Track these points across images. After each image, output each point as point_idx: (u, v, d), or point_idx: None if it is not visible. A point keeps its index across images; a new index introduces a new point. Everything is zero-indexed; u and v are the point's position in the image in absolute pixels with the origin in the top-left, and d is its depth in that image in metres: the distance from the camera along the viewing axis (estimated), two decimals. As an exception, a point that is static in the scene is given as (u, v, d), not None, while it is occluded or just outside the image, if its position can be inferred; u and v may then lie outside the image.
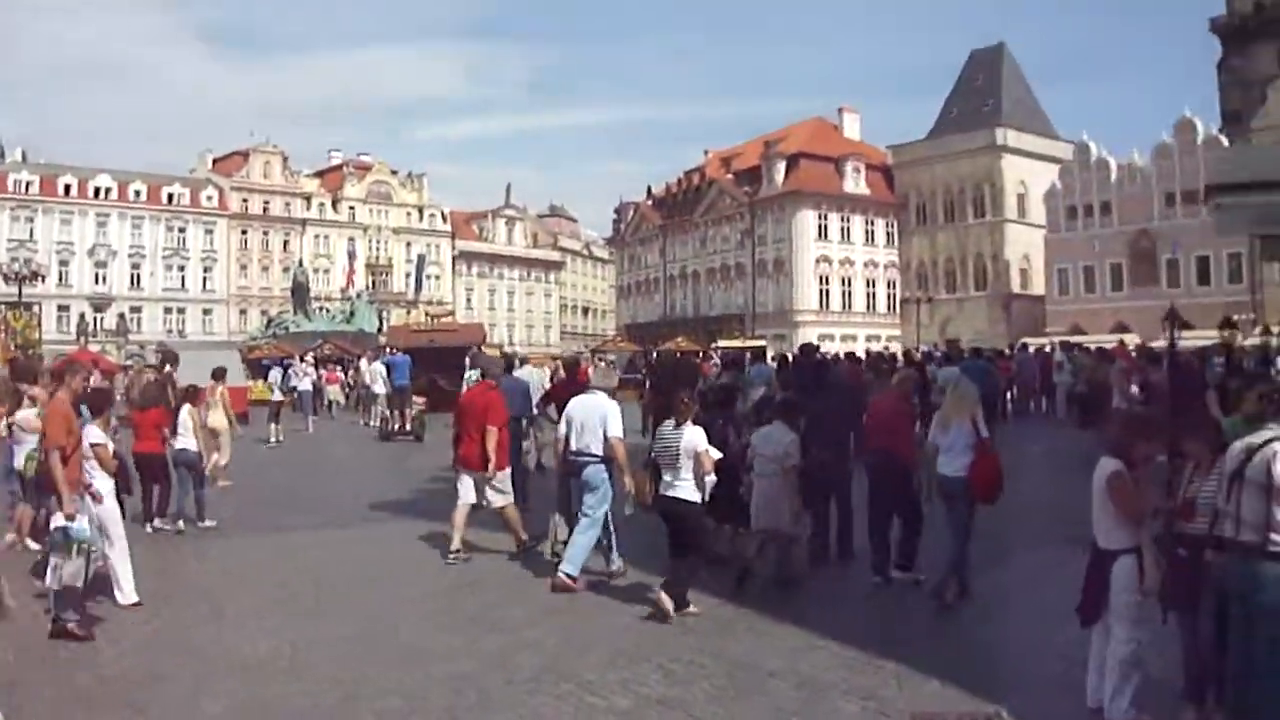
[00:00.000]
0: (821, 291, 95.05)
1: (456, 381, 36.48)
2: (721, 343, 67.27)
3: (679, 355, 46.09)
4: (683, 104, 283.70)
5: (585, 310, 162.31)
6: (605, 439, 12.80)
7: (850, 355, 34.24)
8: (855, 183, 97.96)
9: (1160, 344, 44.56)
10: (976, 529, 11.95)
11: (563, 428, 13.32)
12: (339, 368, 51.44)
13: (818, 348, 32.60)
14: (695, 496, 11.36)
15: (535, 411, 20.63)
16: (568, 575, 12.54)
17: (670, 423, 11.58)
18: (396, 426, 33.55)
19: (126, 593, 11.51)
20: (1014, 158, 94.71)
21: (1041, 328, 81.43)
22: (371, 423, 38.12)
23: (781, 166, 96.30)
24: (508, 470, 15.10)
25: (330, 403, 46.34)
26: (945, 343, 73.52)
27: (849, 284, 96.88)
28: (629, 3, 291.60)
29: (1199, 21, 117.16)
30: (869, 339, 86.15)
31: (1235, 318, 70.93)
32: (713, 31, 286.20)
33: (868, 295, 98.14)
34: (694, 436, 11.33)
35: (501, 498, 14.83)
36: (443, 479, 22.14)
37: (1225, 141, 79.76)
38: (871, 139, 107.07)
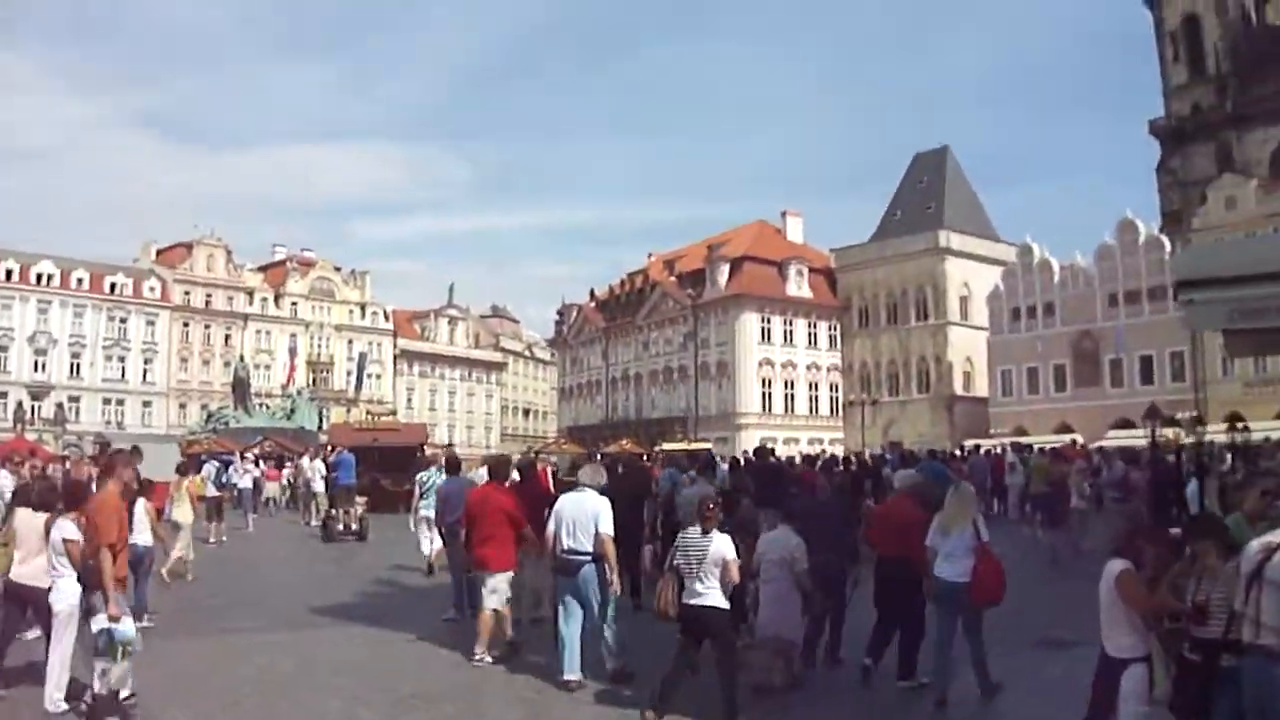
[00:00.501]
0: (764, 394, 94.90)
1: (400, 481, 35.89)
2: (666, 445, 66.94)
3: (625, 460, 45.65)
4: (626, 206, 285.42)
5: (526, 412, 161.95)
6: (597, 536, 12.66)
7: (807, 458, 33.77)
8: (798, 286, 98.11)
9: (1111, 441, 44.94)
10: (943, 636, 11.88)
11: (552, 525, 13.09)
12: (279, 465, 50.59)
13: (772, 450, 32.48)
14: (725, 604, 11.06)
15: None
16: (617, 669, 12.73)
17: (695, 529, 11.27)
18: (341, 526, 32.82)
19: (56, 700, 10.66)
20: (957, 260, 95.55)
21: (985, 429, 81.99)
22: (313, 522, 37.17)
23: (725, 269, 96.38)
24: (510, 573, 14.62)
25: (269, 500, 45.29)
26: (889, 445, 74.01)
27: (792, 386, 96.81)
28: (571, 105, 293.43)
29: (1139, 124, 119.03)
30: (811, 441, 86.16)
31: (1178, 416, 71.82)
32: (656, 134, 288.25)
33: (810, 398, 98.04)
34: (722, 544, 11.03)
35: (500, 600, 14.28)
36: (388, 580, 22.19)
37: (1166, 242, 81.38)
38: (814, 242, 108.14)
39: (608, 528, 12.73)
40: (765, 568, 12.28)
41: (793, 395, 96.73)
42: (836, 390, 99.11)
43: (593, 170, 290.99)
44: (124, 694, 10.08)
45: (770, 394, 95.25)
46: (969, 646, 11.89)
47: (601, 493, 13.25)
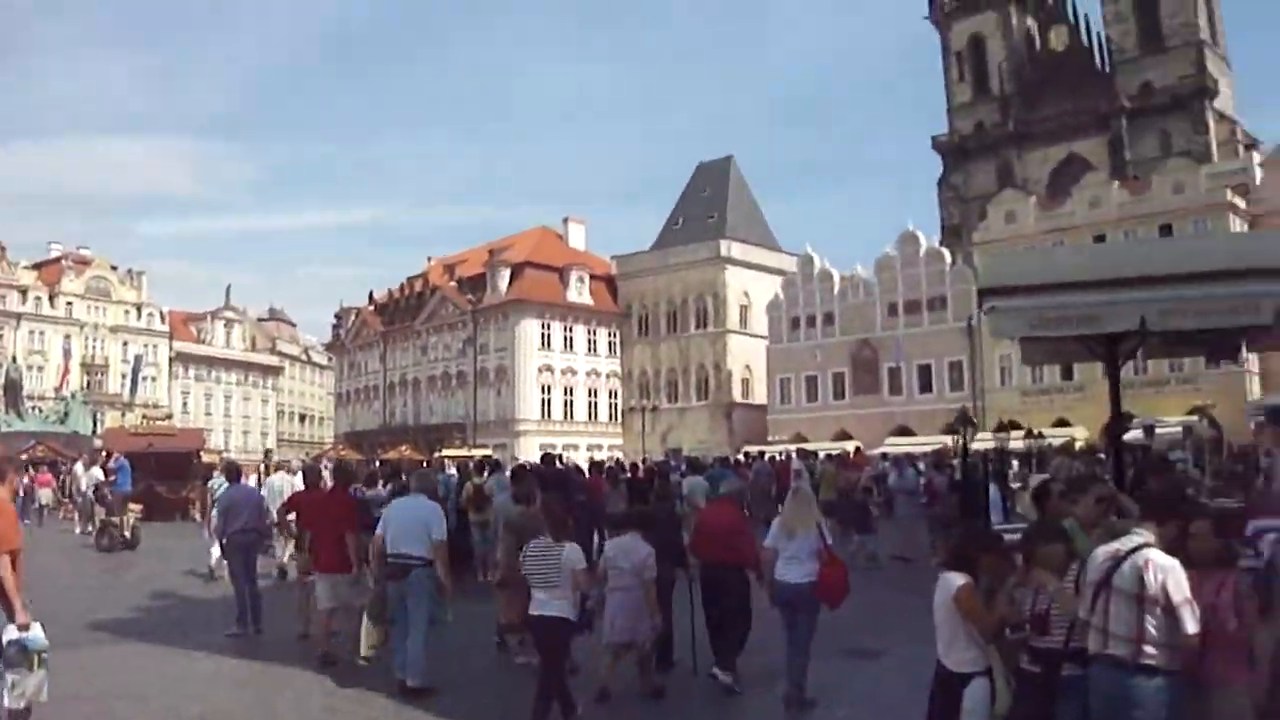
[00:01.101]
0: (544, 400, 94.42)
1: (177, 488, 34.83)
2: (447, 452, 66.61)
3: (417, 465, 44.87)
4: (407, 210, 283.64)
5: (303, 417, 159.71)
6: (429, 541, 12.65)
7: (593, 464, 33.82)
8: (579, 292, 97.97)
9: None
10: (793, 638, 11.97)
11: (381, 529, 12.99)
12: (52, 471, 48.79)
13: (560, 456, 32.38)
14: (574, 615, 10.95)
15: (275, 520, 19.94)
16: (417, 684, 12.40)
17: (544, 539, 11.08)
18: (116, 535, 31.57)
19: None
20: (738, 269, 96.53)
21: (764, 436, 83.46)
22: (88, 529, 35.60)
23: (506, 275, 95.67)
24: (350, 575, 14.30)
25: (42, 508, 43.51)
26: (670, 452, 74.67)
27: (571, 393, 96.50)
28: (359, 107, 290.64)
29: (924, 140, 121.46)
30: (591, 448, 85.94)
31: (972, 415, 73.59)
32: (438, 139, 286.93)
33: (589, 404, 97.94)
34: (574, 553, 10.92)
35: (360, 595, 14.07)
36: (169, 592, 21.53)
37: (946, 255, 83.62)
38: (597, 249, 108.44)
39: (440, 533, 12.71)
40: (615, 575, 12.13)
41: (572, 402, 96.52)
42: (616, 397, 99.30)
43: (376, 173, 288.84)
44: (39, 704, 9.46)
45: (550, 400, 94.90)
46: (795, 650, 11.93)
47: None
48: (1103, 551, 7.07)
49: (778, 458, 45.02)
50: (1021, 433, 63.18)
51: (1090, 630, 7.01)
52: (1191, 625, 6.61)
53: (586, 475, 28.86)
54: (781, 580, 11.86)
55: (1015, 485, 26.41)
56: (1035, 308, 10.34)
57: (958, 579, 7.72)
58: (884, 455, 44.72)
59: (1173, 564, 6.76)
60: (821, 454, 43.43)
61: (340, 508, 14.29)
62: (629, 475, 29.60)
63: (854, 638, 12.93)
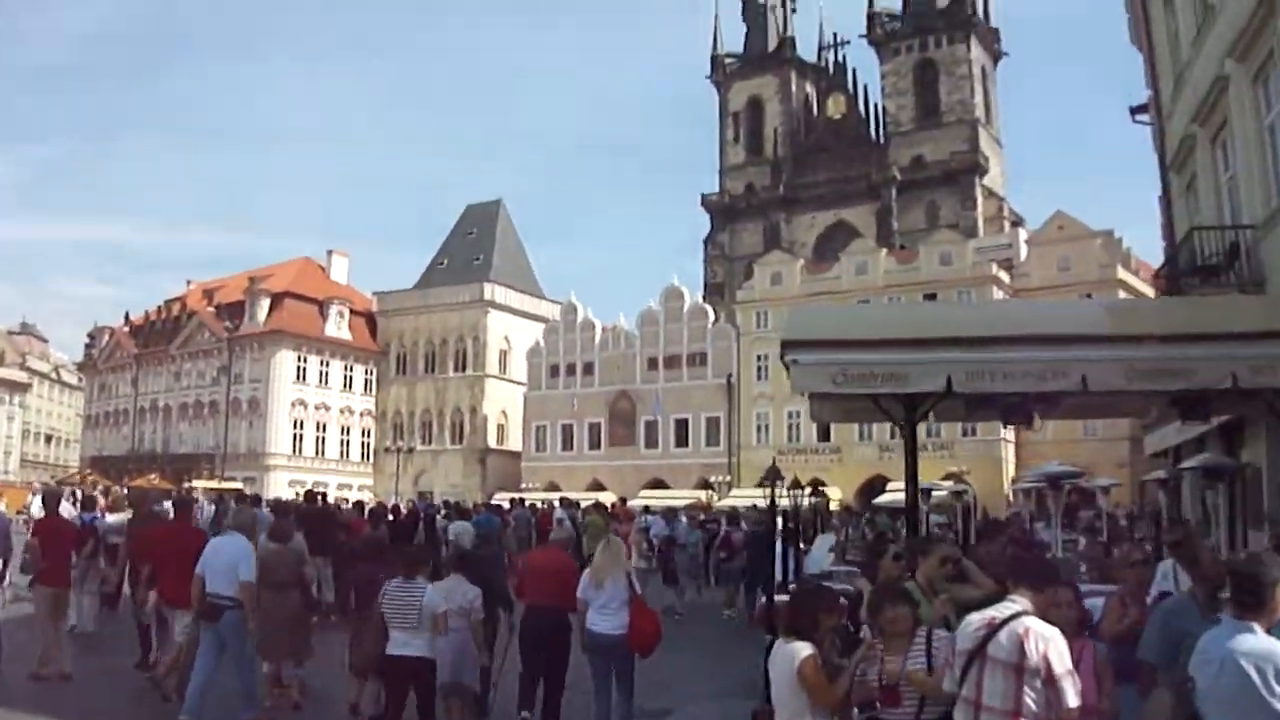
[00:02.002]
0: (296, 435, 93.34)
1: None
2: (198, 483, 66.07)
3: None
4: (168, 230, 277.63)
5: (49, 438, 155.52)
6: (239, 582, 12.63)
7: (358, 504, 34.80)
8: (338, 326, 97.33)
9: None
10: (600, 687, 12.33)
11: (199, 568, 12.80)
12: None
13: (323, 494, 32.50)
14: (431, 655, 11.06)
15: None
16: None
17: (399, 579, 11.24)
18: None
19: None
20: (500, 313, 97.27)
21: (517, 483, 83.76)
22: None
23: (265, 304, 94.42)
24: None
25: None
26: (418, 494, 74.79)
27: (324, 429, 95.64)
28: (121, 122, 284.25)
29: (695, 197, 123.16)
30: (341, 486, 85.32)
31: (712, 479, 75.08)
32: (208, 162, 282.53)
33: (342, 442, 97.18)
34: (435, 595, 11.12)
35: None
36: None
37: (710, 311, 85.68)
38: (360, 284, 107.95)
39: (249, 575, 12.65)
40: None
41: (324, 438, 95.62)
42: (369, 436, 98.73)
43: (139, 192, 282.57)
44: None
45: (302, 435, 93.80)
46: (619, 699, 12.26)
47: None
48: (976, 619, 6.70)
49: (539, 505, 45.24)
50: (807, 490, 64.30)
51: (960, 703, 6.64)
52: (1073, 698, 6.32)
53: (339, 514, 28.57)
54: (593, 630, 12.08)
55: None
56: (839, 363, 10.40)
57: (802, 649, 7.37)
58: (646, 508, 45.36)
59: (1054, 633, 6.48)
60: (584, 503, 43.87)
61: (192, 541, 14.04)
62: (391, 517, 29.39)
63: (641, 701, 12.77)
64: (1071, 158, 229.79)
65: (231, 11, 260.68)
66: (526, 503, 44.30)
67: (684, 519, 34.67)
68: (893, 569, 9.66)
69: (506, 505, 40.27)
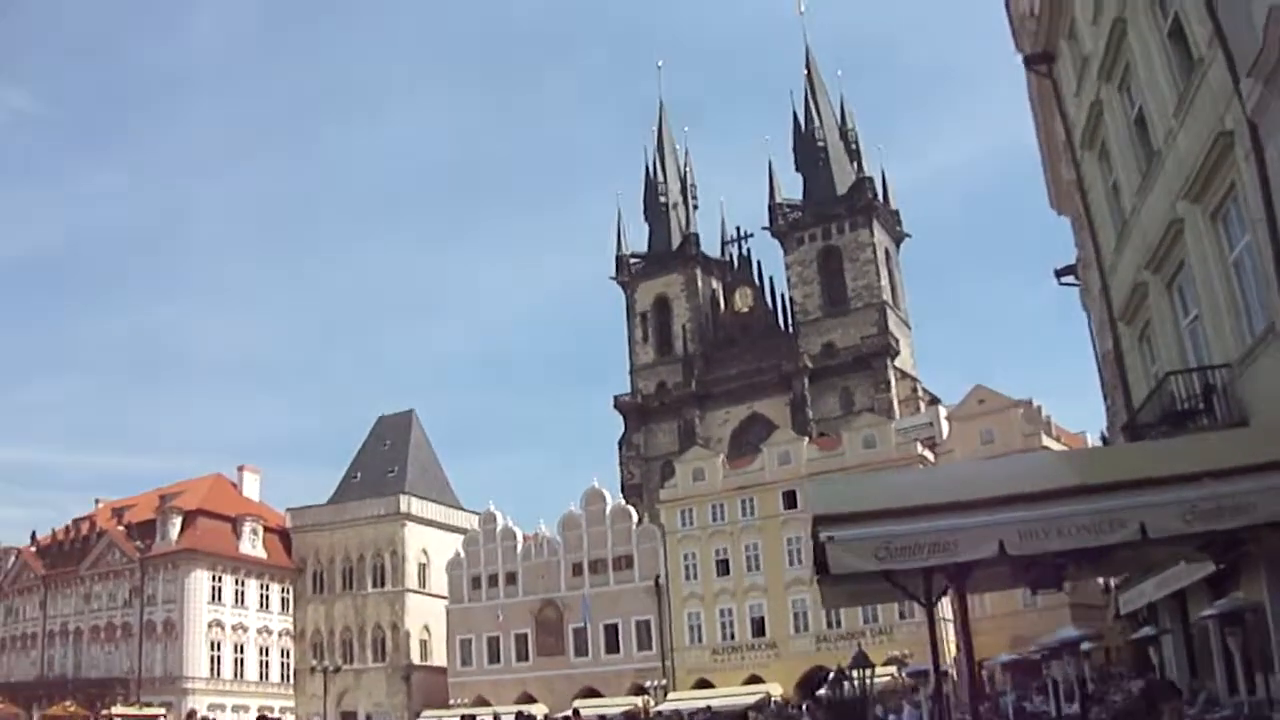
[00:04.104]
0: (213, 657, 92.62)
1: None
2: (117, 710, 66.17)
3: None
4: (74, 452, 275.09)
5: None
6: None
7: None
8: (253, 544, 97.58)
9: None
10: None
11: None
12: None
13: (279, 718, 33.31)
14: None
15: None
16: None
17: None
18: None
19: None
20: (417, 526, 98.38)
21: (445, 699, 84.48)
22: None
23: (177, 522, 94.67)
24: None
25: None
26: (341, 715, 75.31)
27: (242, 650, 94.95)
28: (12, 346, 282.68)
29: (606, 399, 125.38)
30: (262, 709, 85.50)
31: (647, 684, 76.39)
32: (106, 382, 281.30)
33: (261, 663, 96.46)
34: None
35: None
36: None
37: (633, 512, 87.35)
38: (272, 500, 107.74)
39: None
40: None
41: (243, 660, 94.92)
42: (289, 656, 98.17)
43: (40, 414, 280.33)
44: None
45: (220, 657, 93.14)
46: None
47: None
48: None
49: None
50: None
51: None
52: None
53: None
54: None
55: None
56: (882, 537, 10.10)
57: None
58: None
59: None
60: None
61: None
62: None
63: None
64: (976, 332, 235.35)
65: (118, 248, 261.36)
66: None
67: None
68: None
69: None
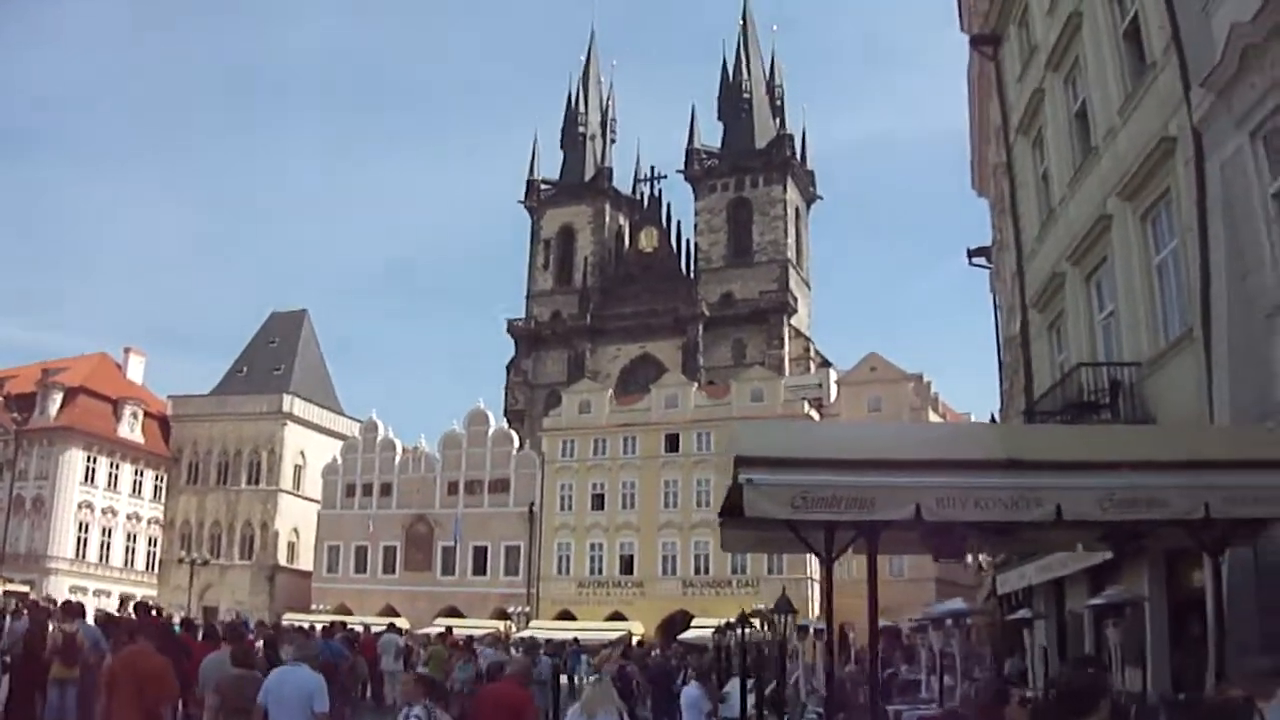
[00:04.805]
0: (80, 539, 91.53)
1: None
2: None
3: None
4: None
5: None
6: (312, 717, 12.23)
7: (186, 621, 29.17)
8: (131, 429, 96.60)
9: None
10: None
11: (261, 698, 12.23)
12: None
13: (157, 608, 31.90)
14: None
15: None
16: None
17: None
18: None
19: None
20: (298, 427, 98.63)
21: (307, 604, 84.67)
22: None
23: (58, 398, 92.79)
24: None
25: None
26: (203, 610, 74.57)
27: (109, 535, 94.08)
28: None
29: (501, 322, 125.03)
30: (124, 597, 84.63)
31: (510, 609, 76.74)
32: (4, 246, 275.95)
33: (127, 549, 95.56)
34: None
35: None
36: None
37: (515, 437, 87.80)
38: (156, 387, 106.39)
39: (323, 707, 12.24)
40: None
41: (109, 544, 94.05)
42: (155, 545, 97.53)
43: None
44: None
45: (86, 540, 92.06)
46: None
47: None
48: None
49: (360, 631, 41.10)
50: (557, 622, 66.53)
51: None
52: None
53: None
54: None
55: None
56: (801, 485, 9.93)
57: None
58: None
59: None
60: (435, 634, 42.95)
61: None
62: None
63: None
64: (873, 303, 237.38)
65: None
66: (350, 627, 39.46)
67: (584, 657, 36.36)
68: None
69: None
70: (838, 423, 67.89)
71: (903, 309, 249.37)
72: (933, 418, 77.21)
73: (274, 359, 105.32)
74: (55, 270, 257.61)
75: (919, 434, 17.93)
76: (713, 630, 38.76)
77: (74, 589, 77.15)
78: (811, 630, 32.33)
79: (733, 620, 27.22)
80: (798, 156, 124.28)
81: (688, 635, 63.74)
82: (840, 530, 10.97)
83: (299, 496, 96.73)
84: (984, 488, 10.07)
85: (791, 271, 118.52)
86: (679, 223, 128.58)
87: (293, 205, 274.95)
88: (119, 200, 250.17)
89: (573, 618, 76.75)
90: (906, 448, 11.27)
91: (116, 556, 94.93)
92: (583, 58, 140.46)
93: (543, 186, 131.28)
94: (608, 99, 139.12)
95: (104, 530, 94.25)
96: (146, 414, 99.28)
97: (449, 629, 42.80)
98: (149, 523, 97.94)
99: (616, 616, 76.52)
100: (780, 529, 11.14)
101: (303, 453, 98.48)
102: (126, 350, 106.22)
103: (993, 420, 43.83)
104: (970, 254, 35.01)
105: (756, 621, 25.30)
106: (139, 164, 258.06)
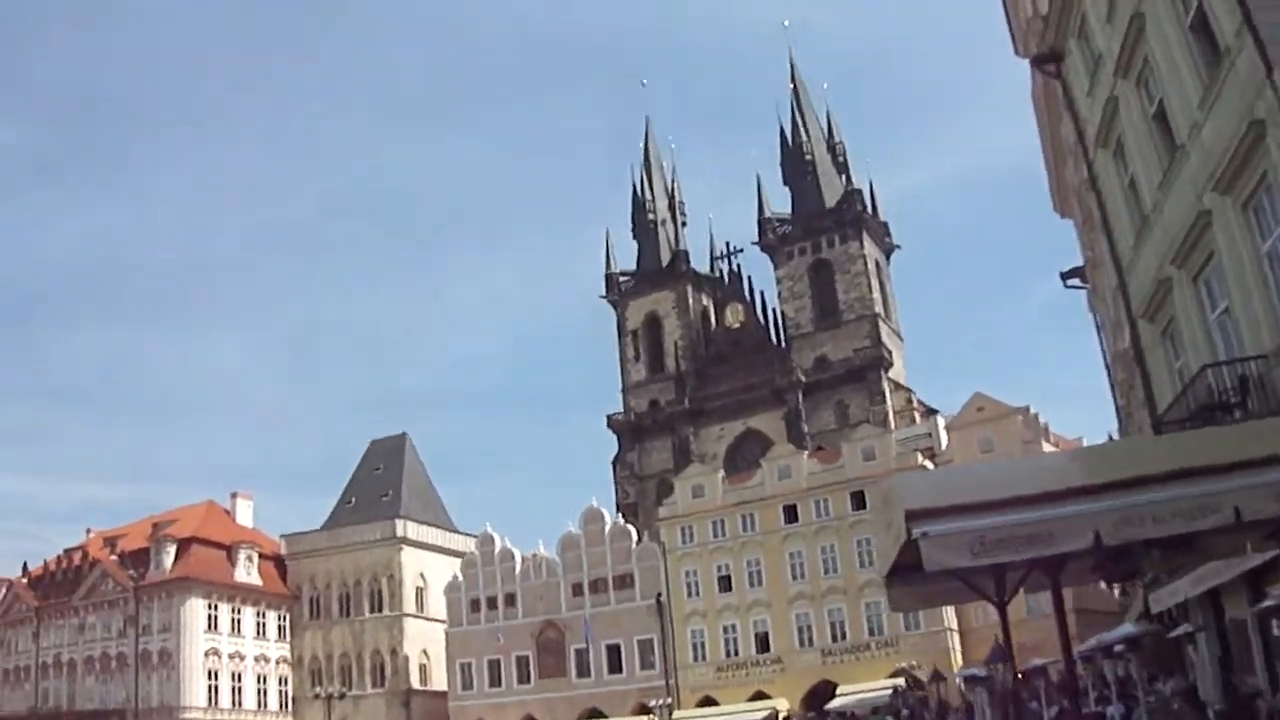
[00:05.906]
0: (210, 686, 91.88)
1: None
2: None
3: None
4: (66, 481, 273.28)
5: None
6: None
7: None
8: (247, 571, 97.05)
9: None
10: None
11: None
12: None
13: None
14: None
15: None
16: None
17: None
18: None
19: None
20: (413, 549, 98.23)
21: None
22: None
23: (171, 550, 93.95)
24: None
25: None
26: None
27: (239, 679, 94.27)
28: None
29: (599, 418, 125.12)
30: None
31: (651, 703, 76.35)
32: (101, 411, 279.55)
33: (259, 691, 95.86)
34: None
35: None
36: None
37: (632, 531, 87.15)
38: (266, 527, 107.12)
39: None
40: None
41: (240, 688, 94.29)
42: (286, 684, 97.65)
43: (31, 441, 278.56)
44: None
45: (217, 686, 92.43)
46: None
47: None
48: None
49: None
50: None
51: None
52: None
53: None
54: None
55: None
56: (975, 530, 9.83)
57: None
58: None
59: None
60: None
61: None
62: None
63: None
64: (968, 341, 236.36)
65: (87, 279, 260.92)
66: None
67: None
68: None
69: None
70: (990, 461, 67.03)
71: (996, 344, 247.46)
72: (1046, 448, 76.13)
73: (380, 486, 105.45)
74: (149, 423, 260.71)
75: (1082, 458, 17.48)
76: (890, 691, 38.45)
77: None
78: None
79: (901, 685, 27.33)
80: (869, 209, 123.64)
81: (835, 704, 63.27)
82: (1010, 571, 11.06)
83: (424, 618, 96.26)
84: (1160, 502, 9.93)
85: (881, 325, 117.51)
86: (762, 293, 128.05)
87: (368, 337, 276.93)
88: (193, 349, 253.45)
89: (715, 703, 76.22)
90: (1072, 475, 11.03)
91: (249, 699, 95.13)
92: (640, 146, 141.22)
93: (621, 278, 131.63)
94: (672, 182, 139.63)
95: (234, 675, 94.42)
96: (261, 555, 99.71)
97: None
98: (277, 662, 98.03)
99: (759, 696, 75.74)
100: (949, 579, 11.24)
101: (422, 574, 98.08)
102: (233, 495, 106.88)
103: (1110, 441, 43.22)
104: (1064, 276, 34.38)
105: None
106: (218, 305, 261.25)
